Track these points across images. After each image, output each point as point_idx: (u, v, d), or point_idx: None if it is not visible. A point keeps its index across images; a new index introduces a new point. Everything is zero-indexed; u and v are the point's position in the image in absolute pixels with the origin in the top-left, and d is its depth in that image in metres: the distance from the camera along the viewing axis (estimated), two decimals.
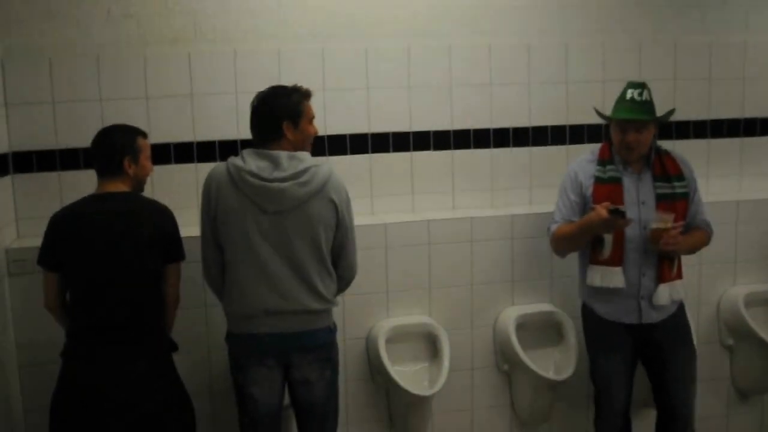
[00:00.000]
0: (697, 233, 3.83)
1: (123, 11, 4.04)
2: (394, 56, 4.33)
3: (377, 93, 4.33)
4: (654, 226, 3.57)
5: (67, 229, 3.27)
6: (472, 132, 4.48)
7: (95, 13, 4.01)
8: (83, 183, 3.57)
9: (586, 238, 3.70)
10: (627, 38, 4.62)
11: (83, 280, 3.27)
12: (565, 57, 4.55)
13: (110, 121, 3.93)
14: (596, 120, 4.00)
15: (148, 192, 3.61)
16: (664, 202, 3.65)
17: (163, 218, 3.39)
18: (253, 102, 3.35)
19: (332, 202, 3.25)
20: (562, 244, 3.83)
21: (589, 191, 3.73)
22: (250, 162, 3.19)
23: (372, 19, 4.29)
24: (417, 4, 4.34)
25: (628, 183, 3.71)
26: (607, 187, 3.67)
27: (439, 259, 4.29)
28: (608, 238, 3.63)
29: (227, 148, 4.08)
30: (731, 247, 4.67)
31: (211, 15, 4.11)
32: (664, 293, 3.67)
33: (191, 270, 3.59)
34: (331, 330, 3.43)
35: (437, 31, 4.37)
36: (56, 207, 3.45)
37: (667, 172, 3.71)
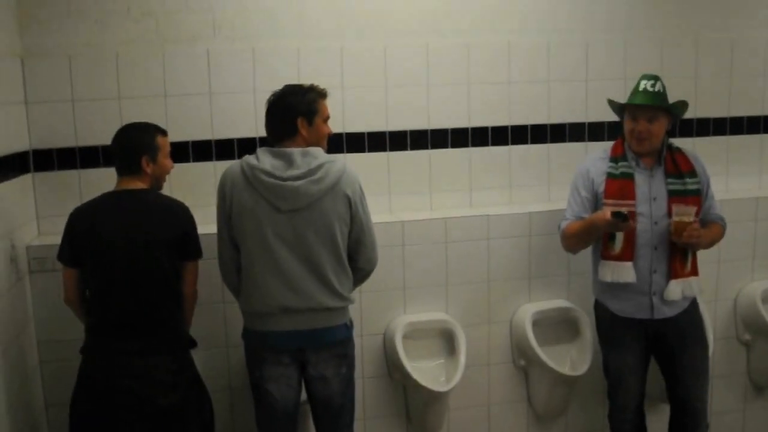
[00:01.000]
0: (714, 227, 3.79)
1: (142, 9, 4.00)
2: (412, 54, 4.28)
3: (395, 91, 4.28)
4: (676, 219, 3.54)
5: (85, 226, 3.27)
6: (490, 129, 4.42)
7: (114, 11, 3.98)
8: (103, 181, 3.54)
9: (593, 236, 3.69)
10: (648, 35, 4.55)
11: (101, 276, 3.26)
12: (586, 54, 4.48)
13: (129, 119, 3.91)
14: (616, 117, 3.94)
15: (166, 189, 3.59)
16: (675, 198, 3.61)
17: (180, 216, 3.38)
18: (269, 99, 3.33)
19: (346, 197, 3.23)
20: (571, 241, 3.81)
21: (601, 188, 3.70)
22: (265, 160, 3.18)
23: (391, 17, 4.24)
24: (436, 2, 4.28)
25: (639, 179, 3.66)
26: (619, 183, 3.64)
27: (456, 256, 4.25)
28: (619, 233, 3.60)
29: (246, 146, 4.05)
30: (749, 244, 4.62)
31: (229, 13, 4.07)
32: (676, 289, 3.63)
33: (209, 267, 3.56)
34: (348, 327, 3.41)
35: (456, 28, 4.31)
36: (76, 204, 3.45)
37: (679, 169, 3.67)
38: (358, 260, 3.37)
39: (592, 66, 4.50)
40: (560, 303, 4.39)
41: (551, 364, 4.10)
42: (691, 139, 4.56)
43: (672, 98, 3.70)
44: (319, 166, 3.17)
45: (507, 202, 4.48)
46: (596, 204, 3.72)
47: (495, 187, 4.48)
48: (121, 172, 3.36)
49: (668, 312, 3.69)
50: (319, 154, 3.22)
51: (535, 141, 4.48)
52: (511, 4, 4.37)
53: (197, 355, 3.51)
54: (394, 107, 4.29)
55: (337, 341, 3.35)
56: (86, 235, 3.25)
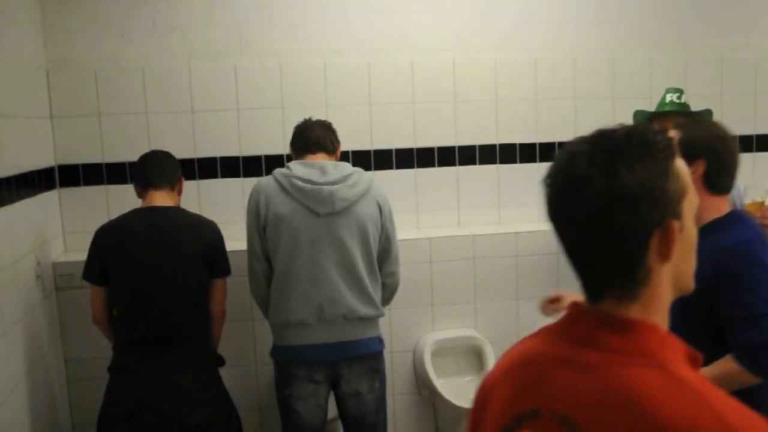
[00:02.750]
0: None
1: (168, 24, 3.91)
2: (439, 70, 4.19)
3: (423, 107, 4.19)
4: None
5: (112, 244, 3.16)
6: (518, 146, 4.34)
7: (140, 26, 3.88)
8: (130, 196, 3.41)
9: None
10: (673, 54, 4.49)
11: (129, 294, 3.14)
12: (612, 72, 4.41)
13: (156, 134, 3.89)
14: None
15: (194, 206, 3.51)
16: None
17: (209, 233, 3.27)
18: (301, 123, 3.35)
19: (377, 203, 3.22)
20: None
21: None
22: (298, 170, 3.15)
23: (418, 33, 4.16)
24: (462, 19, 4.20)
25: None
26: None
27: (484, 273, 4.15)
28: None
29: (273, 162, 3.93)
30: None
31: (256, 29, 3.98)
32: None
33: (238, 285, 3.47)
34: (380, 341, 3.34)
35: (482, 45, 4.24)
36: (103, 221, 3.33)
37: None
38: (382, 274, 3.30)
39: (618, 84, 4.42)
40: None
41: None
42: None
43: None
44: (351, 174, 3.18)
45: (535, 219, 4.38)
46: None
47: (523, 204, 4.38)
48: (155, 186, 3.25)
49: None
50: (347, 165, 3.23)
51: None
52: (539, 21, 4.30)
53: (226, 373, 3.39)
54: (422, 123, 4.20)
55: (370, 354, 3.28)
56: (114, 253, 3.15)
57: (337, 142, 3.35)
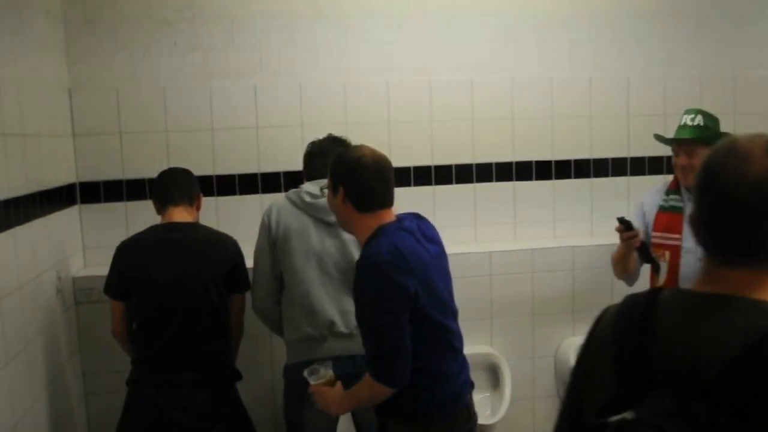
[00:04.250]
0: None
1: (189, 44, 3.96)
2: (457, 89, 4.23)
3: (441, 125, 4.22)
4: None
5: (132, 259, 3.18)
6: (534, 164, 4.36)
7: (162, 45, 3.94)
8: (149, 213, 3.43)
9: (625, 259, 3.57)
10: (688, 72, 4.49)
11: (148, 309, 3.16)
12: (627, 90, 4.42)
13: (176, 152, 3.92)
14: (657, 152, 3.92)
15: (212, 223, 3.53)
16: None
17: (229, 249, 3.29)
18: (312, 143, 3.37)
19: None
20: (614, 267, 3.70)
21: (652, 219, 3.59)
22: (308, 186, 3.21)
23: (436, 53, 4.20)
24: (480, 39, 4.24)
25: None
26: (667, 216, 3.52)
27: (500, 289, 4.16)
28: (663, 265, 3.48)
29: (291, 180, 3.95)
30: None
31: (276, 48, 4.02)
32: None
33: None
34: None
35: (500, 64, 4.27)
36: (122, 236, 3.35)
37: None
38: None
39: (633, 102, 4.43)
40: None
41: None
42: None
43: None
44: None
45: (551, 236, 4.39)
46: (646, 235, 3.60)
47: (538, 221, 4.41)
48: (174, 202, 3.27)
49: None
50: None
51: (578, 176, 4.41)
52: (555, 41, 4.33)
53: (242, 388, 3.38)
54: (440, 141, 4.22)
55: None
56: (134, 268, 3.17)
57: None
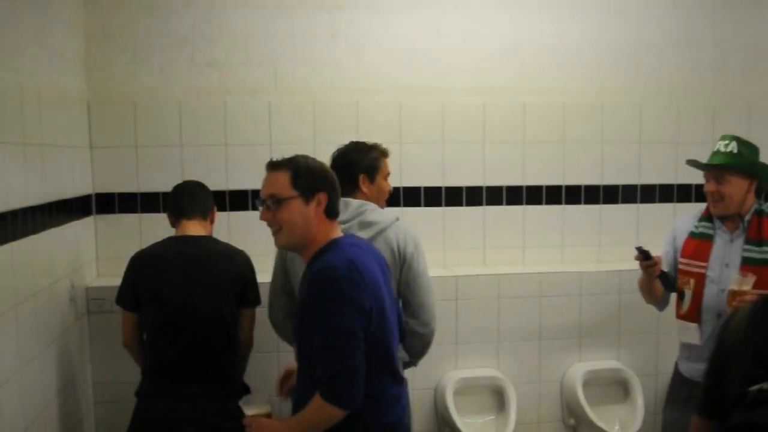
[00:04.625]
0: None
1: (206, 60, 4.14)
2: (469, 111, 4.39)
3: (452, 147, 4.38)
4: (733, 287, 3.28)
5: (145, 271, 3.30)
6: (544, 188, 4.51)
7: (179, 61, 4.12)
8: (162, 225, 3.57)
9: (650, 286, 3.65)
10: (701, 101, 4.64)
11: (159, 320, 3.27)
12: (639, 117, 4.57)
13: (190, 166, 4.08)
14: (668, 180, 4.08)
15: (224, 237, 3.66)
16: (747, 266, 3.38)
17: (240, 263, 3.40)
18: (333, 154, 3.35)
19: (391, 250, 3.11)
20: (642, 294, 3.76)
21: (681, 244, 3.62)
22: None
23: (449, 75, 4.36)
24: (492, 63, 4.40)
25: (719, 242, 3.52)
26: (696, 242, 3.55)
27: (508, 312, 4.30)
28: (687, 292, 3.51)
29: None
30: None
31: (291, 66, 4.20)
32: None
33: (266, 314, 3.50)
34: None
35: (512, 88, 4.43)
36: (136, 248, 3.49)
37: (762, 236, 3.46)
38: (408, 321, 3.14)
39: (645, 128, 4.58)
40: (611, 364, 4.40)
41: (601, 424, 4.10)
42: None
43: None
44: (369, 214, 3.14)
45: (559, 260, 4.53)
46: (675, 261, 3.66)
47: (547, 246, 4.54)
48: (188, 215, 3.40)
49: None
50: (374, 207, 3.19)
51: (588, 201, 4.56)
52: (567, 65, 4.49)
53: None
54: (450, 163, 4.38)
55: None
56: (147, 280, 3.28)
57: (369, 173, 3.28)
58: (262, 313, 3.52)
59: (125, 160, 4.08)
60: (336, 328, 2.45)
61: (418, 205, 4.33)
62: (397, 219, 3.22)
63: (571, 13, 4.47)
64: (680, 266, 3.56)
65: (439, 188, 4.37)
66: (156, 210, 4.02)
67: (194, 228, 3.39)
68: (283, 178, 2.62)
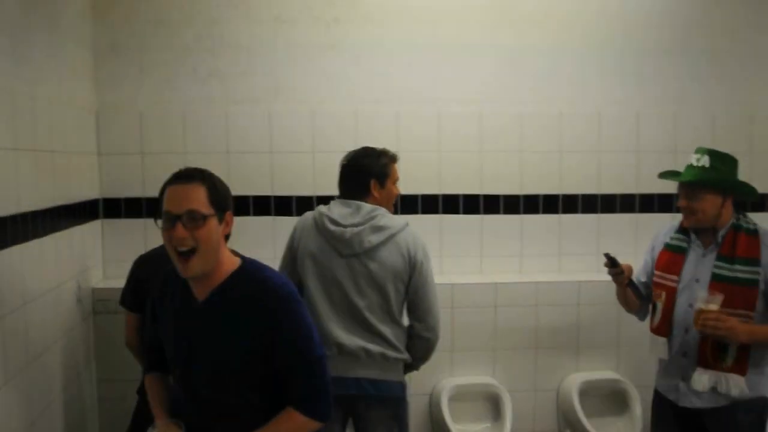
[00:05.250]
0: None
1: (209, 72, 4.54)
2: (466, 121, 4.71)
3: (449, 156, 4.70)
4: (699, 305, 3.34)
5: (148, 272, 3.53)
6: (541, 197, 4.80)
7: (183, 72, 4.53)
8: None
9: (621, 293, 3.79)
10: (700, 109, 4.89)
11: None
12: (637, 126, 4.84)
13: None
14: (666, 190, 4.28)
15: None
16: (716, 283, 3.40)
17: None
18: (343, 160, 3.61)
19: (403, 254, 3.40)
20: (618, 301, 3.89)
21: (656, 255, 3.70)
22: (334, 209, 3.47)
23: (446, 86, 4.69)
24: (489, 73, 4.72)
25: (692, 256, 3.55)
26: (669, 255, 3.62)
27: (504, 321, 4.57)
28: (659, 305, 3.59)
29: (303, 203, 4.50)
30: None
31: (291, 78, 4.59)
32: (701, 379, 3.41)
33: None
34: (403, 386, 3.54)
35: (509, 98, 4.74)
36: (141, 251, 3.85)
37: (735, 253, 3.43)
38: (414, 325, 3.49)
39: (643, 137, 4.85)
40: (609, 374, 4.62)
41: None
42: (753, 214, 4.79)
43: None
44: (380, 218, 3.41)
45: (556, 270, 4.80)
46: (651, 272, 3.74)
47: (545, 255, 4.82)
48: None
49: (698, 402, 3.48)
50: (385, 213, 3.47)
51: (585, 211, 4.83)
52: (563, 75, 4.79)
53: None
54: (447, 171, 4.71)
55: (390, 398, 3.48)
56: (150, 281, 3.39)
57: (380, 178, 3.52)
58: None
59: (131, 167, 4.47)
60: (314, 344, 2.55)
61: (415, 212, 4.63)
62: (407, 224, 3.49)
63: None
64: (654, 278, 3.65)
65: (437, 196, 4.69)
66: (160, 215, 4.32)
67: None
68: (201, 192, 2.51)
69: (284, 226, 4.29)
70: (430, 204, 4.70)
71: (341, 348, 3.37)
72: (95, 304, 4.24)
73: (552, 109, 4.78)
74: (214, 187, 2.53)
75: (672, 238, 3.65)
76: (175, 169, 4.30)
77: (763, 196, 4.80)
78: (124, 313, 3.74)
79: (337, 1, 4.59)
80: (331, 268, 3.40)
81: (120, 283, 3.80)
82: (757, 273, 3.39)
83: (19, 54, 3.26)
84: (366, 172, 3.51)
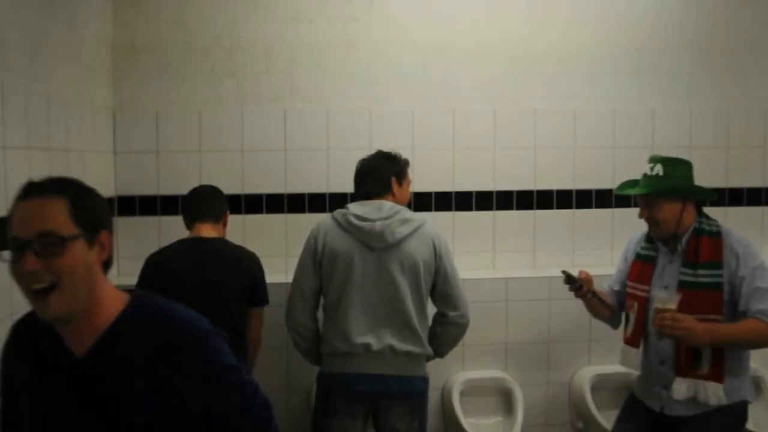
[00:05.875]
0: (742, 324, 3.42)
1: (225, 70, 4.76)
2: (479, 118, 4.91)
3: (463, 153, 4.90)
4: (655, 305, 3.47)
5: (160, 269, 3.76)
6: (555, 193, 4.99)
7: (200, 71, 4.75)
8: (180, 227, 4.04)
9: (587, 305, 3.90)
10: (715, 105, 5.07)
11: None
12: (652, 123, 5.02)
13: (209, 171, 4.65)
14: None
15: (239, 239, 4.19)
16: (683, 289, 3.46)
17: (250, 264, 3.88)
18: (360, 163, 3.88)
19: (429, 245, 3.67)
20: (589, 312, 4.00)
21: (630, 265, 3.80)
22: (355, 208, 3.69)
23: (459, 84, 4.88)
24: (502, 70, 4.91)
25: (661, 264, 3.65)
26: (639, 265, 3.72)
27: (516, 315, 4.76)
28: (631, 316, 3.69)
29: (316, 201, 4.73)
30: None
31: (305, 76, 4.80)
32: (680, 388, 3.47)
33: (274, 314, 4.04)
34: (425, 380, 3.78)
35: (523, 95, 4.94)
36: (155, 248, 4.00)
37: (696, 258, 3.51)
38: (448, 314, 3.76)
39: (657, 133, 5.02)
40: (620, 368, 4.59)
41: (610, 428, 4.32)
42: (761, 208, 5.01)
43: (706, 170, 3.83)
44: (404, 212, 3.69)
45: (569, 264, 4.86)
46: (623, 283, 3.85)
47: (557, 250, 5.02)
48: (202, 218, 3.89)
49: (681, 410, 3.55)
50: (405, 208, 3.75)
51: (599, 206, 5.02)
52: (578, 73, 4.97)
53: None
54: (461, 168, 4.91)
55: (413, 392, 3.70)
56: (161, 277, 3.71)
57: (398, 177, 3.83)
58: (270, 312, 4.02)
59: (146, 165, 4.70)
60: (249, 381, 2.16)
61: (428, 209, 4.82)
62: (426, 219, 3.78)
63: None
64: (627, 289, 3.75)
65: (450, 193, 4.89)
66: (175, 212, 4.52)
67: (207, 231, 3.87)
68: (58, 208, 1.86)
69: (297, 223, 4.62)
70: (443, 201, 4.90)
71: (368, 348, 3.58)
72: None
73: (567, 106, 4.96)
74: (78, 199, 1.91)
75: (642, 248, 3.73)
76: (190, 168, 4.74)
77: None
78: None
79: (354, 1, 4.79)
80: (362, 263, 3.62)
81: (134, 280, 3.87)
82: (720, 276, 3.47)
83: (36, 54, 3.45)
84: (386, 170, 3.81)
